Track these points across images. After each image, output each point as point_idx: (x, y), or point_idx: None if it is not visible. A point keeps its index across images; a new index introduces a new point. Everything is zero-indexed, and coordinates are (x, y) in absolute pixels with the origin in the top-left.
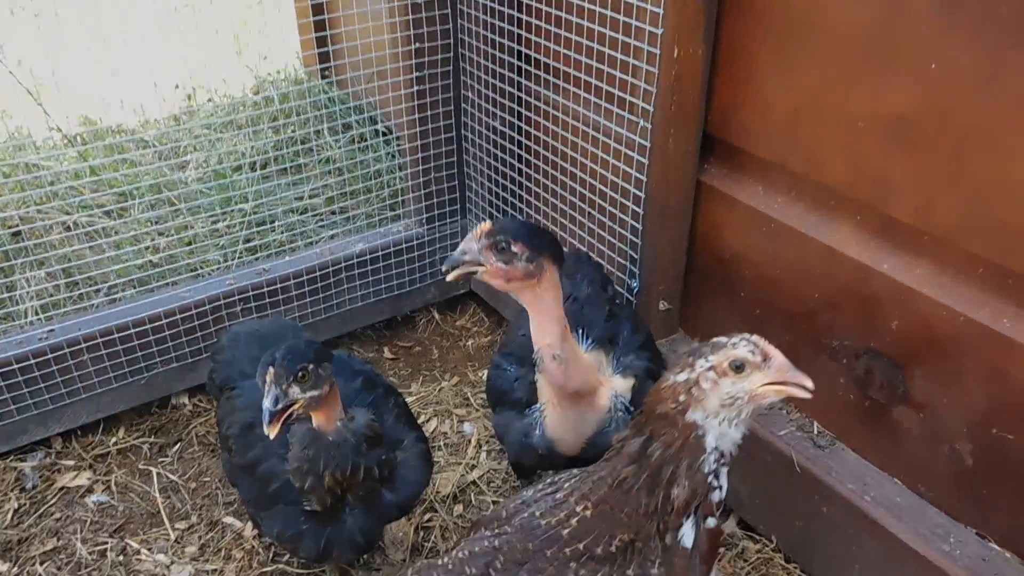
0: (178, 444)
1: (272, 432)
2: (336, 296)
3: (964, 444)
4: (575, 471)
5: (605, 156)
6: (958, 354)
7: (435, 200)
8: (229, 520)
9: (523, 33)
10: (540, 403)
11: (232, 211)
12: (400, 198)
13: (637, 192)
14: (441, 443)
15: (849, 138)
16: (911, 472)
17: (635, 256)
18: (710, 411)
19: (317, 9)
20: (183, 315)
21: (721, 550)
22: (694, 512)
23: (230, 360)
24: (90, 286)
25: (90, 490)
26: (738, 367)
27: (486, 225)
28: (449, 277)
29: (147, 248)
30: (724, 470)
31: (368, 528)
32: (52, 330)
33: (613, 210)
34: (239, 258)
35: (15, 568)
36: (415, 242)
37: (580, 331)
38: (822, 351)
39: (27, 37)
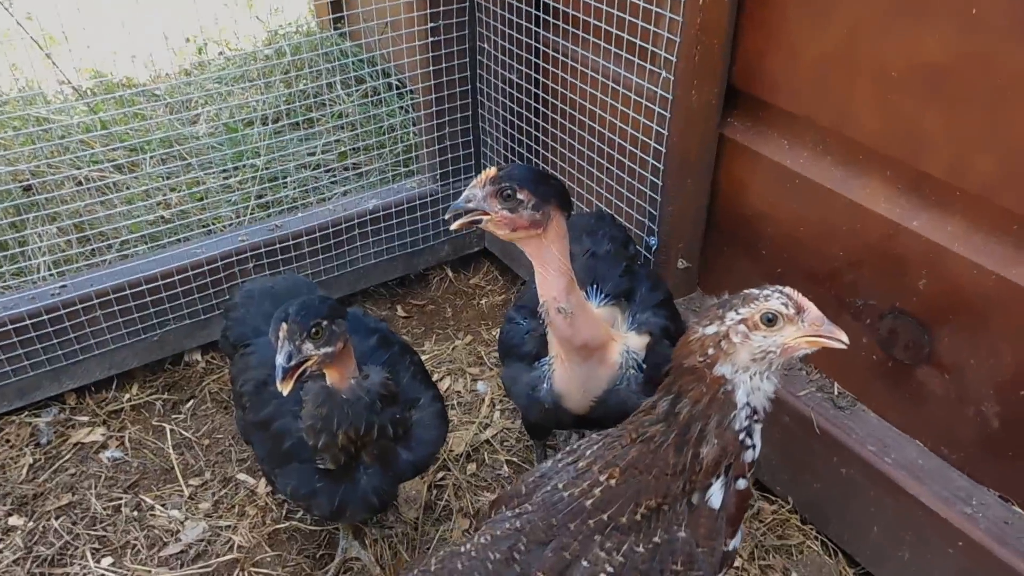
0: (191, 401)
1: (285, 389)
2: (349, 253)
3: (990, 406)
4: (596, 436)
5: (625, 109)
6: (988, 314)
7: (449, 156)
8: (243, 477)
9: None
10: (549, 357)
11: (244, 166)
12: (414, 154)
13: (657, 147)
14: (455, 402)
15: (881, 89)
16: (934, 434)
17: (654, 213)
18: (740, 365)
19: None
20: (195, 272)
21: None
22: (724, 472)
23: (243, 317)
24: (102, 242)
25: (104, 446)
26: (770, 320)
27: (491, 171)
28: (453, 227)
29: (158, 204)
30: (757, 427)
31: (383, 488)
32: (64, 286)
33: (632, 165)
34: (251, 214)
35: (31, 522)
36: (429, 199)
37: (595, 286)
38: (845, 311)
39: None
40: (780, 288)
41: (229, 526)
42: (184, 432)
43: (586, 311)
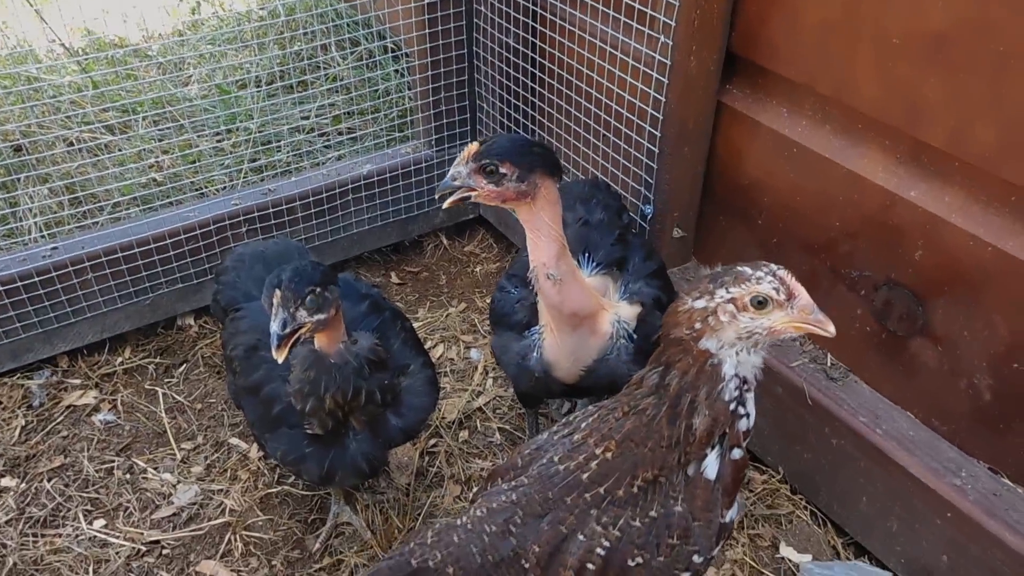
0: (184, 365)
1: (281, 356)
2: (343, 219)
3: (983, 378)
4: (591, 408)
5: (623, 75)
6: (983, 286)
7: (445, 121)
8: (235, 441)
9: None
10: (540, 326)
11: (237, 129)
12: (409, 118)
13: (655, 113)
14: (447, 369)
15: (882, 56)
16: (926, 406)
17: (650, 181)
18: (725, 342)
19: None
20: (187, 235)
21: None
22: (719, 442)
23: (234, 281)
24: (93, 204)
25: (96, 409)
26: (760, 303)
27: (473, 147)
28: (444, 205)
29: (150, 166)
30: (749, 396)
31: (372, 453)
32: (56, 248)
33: (629, 132)
34: (244, 178)
35: (23, 484)
36: (424, 164)
37: (586, 254)
38: (840, 281)
39: None
40: (773, 270)
41: (221, 490)
42: (176, 396)
43: (576, 279)
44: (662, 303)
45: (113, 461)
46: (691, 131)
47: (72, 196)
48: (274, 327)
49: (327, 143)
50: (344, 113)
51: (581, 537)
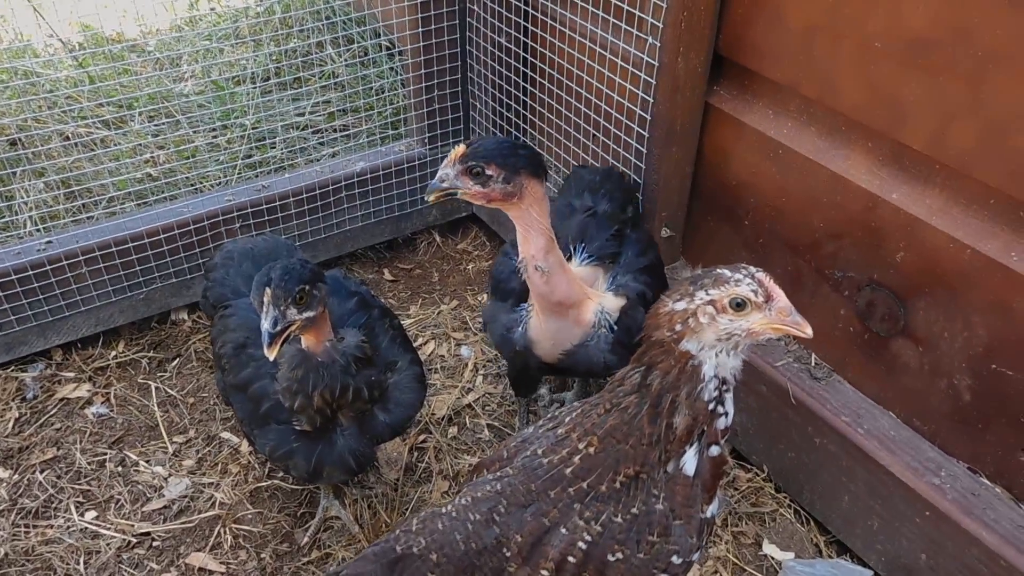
0: (177, 359)
1: (272, 354)
2: (336, 216)
3: (963, 379)
4: (575, 404)
5: (612, 75)
6: (963, 287)
7: (438, 119)
8: (226, 435)
9: None
10: (529, 303)
11: (232, 125)
12: (402, 116)
13: (643, 114)
14: (438, 366)
15: (865, 59)
16: (907, 406)
17: (638, 180)
18: (705, 343)
19: None
20: (181, 230)
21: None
22: (698, 439)
23: (223, 278)
24: (89, 198)
25: (90, 402)
26: (739, 305)
27: (460, 149)
28: (430, 199)
29: (146, 161)
30: (728, 396)
31: (359, 449)
32: (50, 242)
33: (618, 132)
34: (238, 174)
35: (16, 475)
36: (417, 162)
37: (582, 244)
38: (824, 282)
39: None
40: (752, 272)
41: (212, 483)
42: (169, 390)
43: (564, 271)
44: (647, 299)
45: (105, 454)
46: (679, 132)
47: (67, 190)
48: (265, 325)
49: (321, 140)
50: (338, 110)
51: (563, 531)
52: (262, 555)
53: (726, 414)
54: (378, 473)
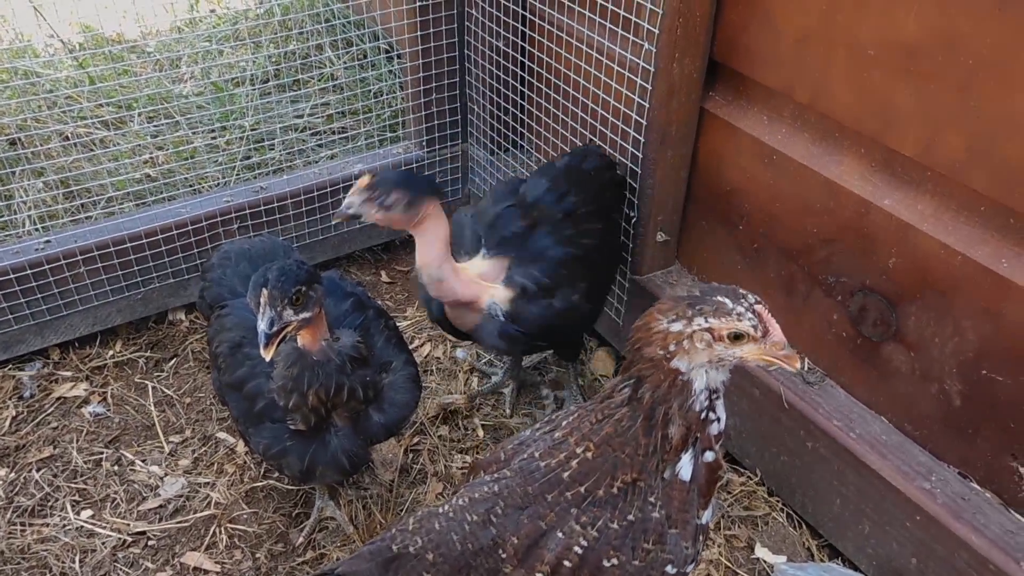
0: (174, 359)
1: (268, 355)
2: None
3: (953, 384)
4: (572, 408)
5: (608, 80)
6: (953, 293)
7: (436, 122)
8: (222, 435)
9: None
10: None
11: (231, 126)
12: (401, 119)
13: (639, 119)
14: (433, 368)
15: (857, 66)
16: (898, 410)
17: (634, 185)
18: (695, 364)
19: None
20: (180, 231)
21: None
22: (692, 445)
23: (220, 279)
24: (87, 198)
25: (87, 401)
26: (737, 337)
27: (364, 180)
28: (334, 222)
29: (145, 162)
30: (719, 403)
31: (353, 450)
32: (49, 241)
33: (614, 136)
34: (237, 175)
35: (12, 473)
36: (415, 165)
37: (490, 237)
38: (817, 287)
39: None
40: (752, 304)
41: (208, 483)
42: (166, 390)
43: (456, 276)
44: (527, 292)
45: (102, 453)
46: (674, 136)
47: (66, 190)
48: (262, 326)
49: (320, 142)
50: (337, 113)
51: (560, 534)
52: (257, 555)
53: (718, 419)
54: (373, 474)
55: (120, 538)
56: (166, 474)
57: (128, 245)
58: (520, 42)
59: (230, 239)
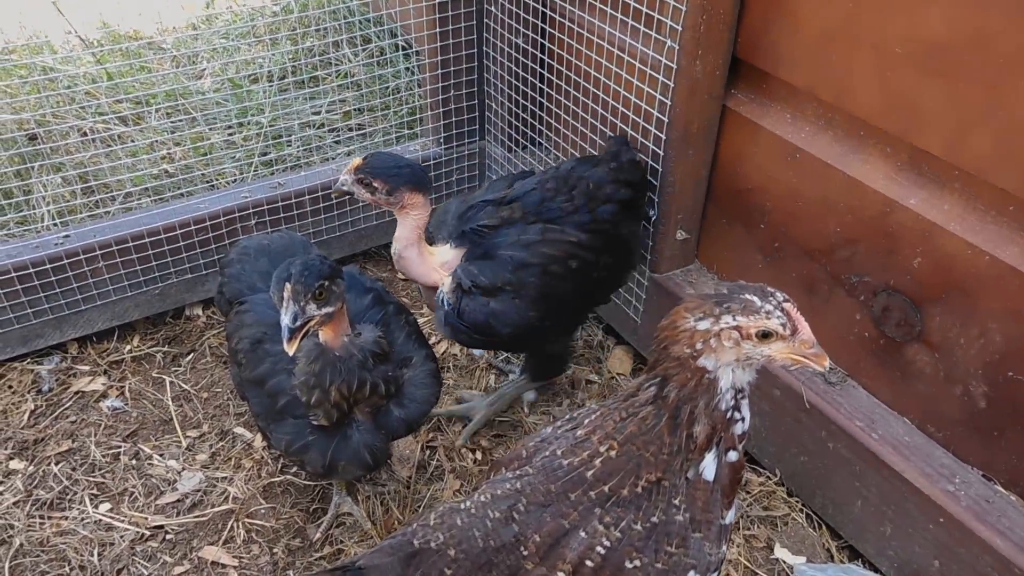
0: (191, 354)
1: (291, 349)
2: (351, 214)
3: (978, 386)
4: (593, 406)
5: (629, 77)
6: (980, 294)
7: (453, 120)
8: (239, 430)
9: None
10: None
11: (248, 123)
12: (418, 116)
13: (660, 116)
14: (451, 365)
15: (883, 64)
16: (921, 412)
17: (654, 183)
18: (722, 363)
19: None
20: (197, 227)
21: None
22: (716, 445)
23: (239, 274)
24: (105, 193)
25: (104, 395)
26: (765, 335)
27: (356, 162)
28: (333, 196)
29: (162, 157)
30: (744, 402)
31: (374, 445)
32: (67, 236)
33: (634, 134)
34: (254, 171)
35: (31, 466)
36: (432, 162)
37: (457, 227)
38: (840, 286)
39: None
40: (780, 302)
41: (225, 477)
42: (183, 385)
43: (422, 259)
44: (462, 288)
45: (120, 447)
46: (695, 134)
47: (85, 185)
48: (285, 320)
49: (337, 139)
50: (354, 109)
51: (583, 534)
52: (274, 550)
53: (743, 419)
54: (391, 470)
55: (138, 532)
56: (184, 468)
57: (146, 240)
58: (539, 38)
59: (248, 235)
